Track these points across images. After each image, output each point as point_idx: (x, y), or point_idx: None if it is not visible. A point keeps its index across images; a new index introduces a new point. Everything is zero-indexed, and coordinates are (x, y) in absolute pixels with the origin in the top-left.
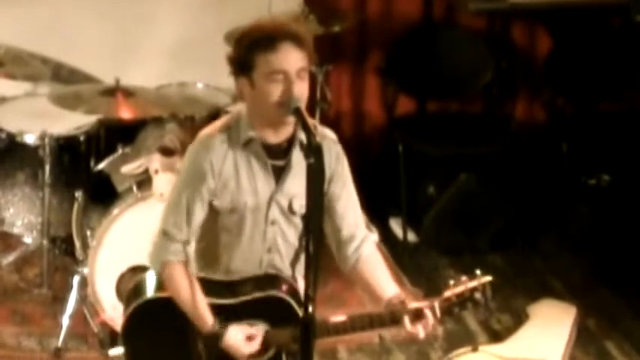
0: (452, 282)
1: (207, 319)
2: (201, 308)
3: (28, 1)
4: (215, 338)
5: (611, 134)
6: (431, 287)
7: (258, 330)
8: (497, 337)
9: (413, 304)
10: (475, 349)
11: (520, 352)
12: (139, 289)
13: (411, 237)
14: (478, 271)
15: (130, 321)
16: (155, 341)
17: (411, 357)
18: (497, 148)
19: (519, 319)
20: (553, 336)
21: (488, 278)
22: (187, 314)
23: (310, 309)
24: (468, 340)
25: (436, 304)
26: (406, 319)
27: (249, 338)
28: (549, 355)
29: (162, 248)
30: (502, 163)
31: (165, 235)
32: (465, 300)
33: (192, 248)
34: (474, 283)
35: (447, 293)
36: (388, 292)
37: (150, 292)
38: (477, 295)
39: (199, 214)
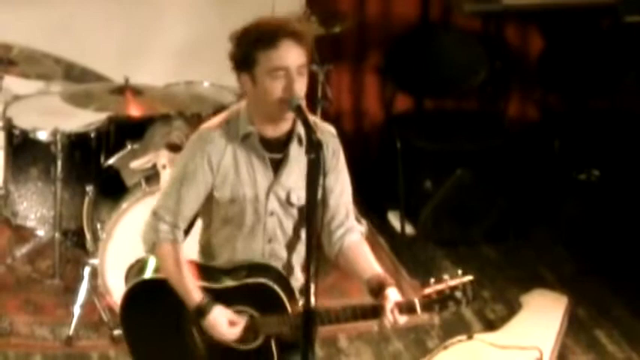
0: (433, 280)
1: (195, 296)
2: (189, 285)
3: (41, 3)
4: (200, 314)
5: (601, 131)
6: (427, 278)
7: (242, 318)
8: (491, 325)
9: (394, 297)
10: (470, 337)
11: (513, 340)
12: (140, 270)
13: (409, 230)
14: (460, 271)
15: (127, 299)
16: (150, 320)
17: (409, 345)
18: (492, 144)
19: (512, 309)
20: (545, 325)
21: (469, 278)
22: (176, 291)
23: (312, 301)
24: (463, 328)
25: (416, 300)
26: (388, 310)
27: (232, 323)
28: (541, 343)
29: (152, 229)
30: (496, 159)
31: (155, 215)
32: (445, 298)
33: (181, 231)
34: (454, 282)
35: (428, 290)
36: (367, 277)
37: (149, 273)
38: (458, 294)
39: (192, 204)
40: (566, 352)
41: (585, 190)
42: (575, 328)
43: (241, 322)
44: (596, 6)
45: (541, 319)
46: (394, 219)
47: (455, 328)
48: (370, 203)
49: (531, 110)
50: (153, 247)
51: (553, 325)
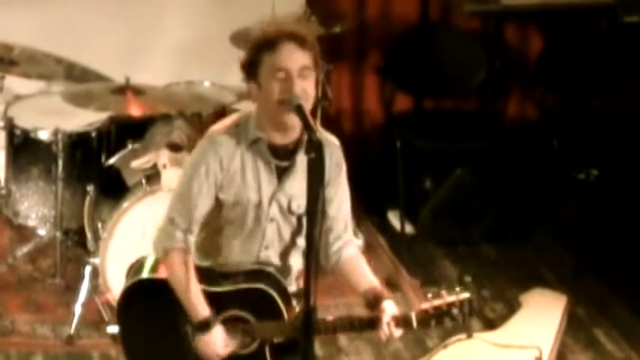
0: (430, 295)
1: (200, 309)
2: (196, 297)
3: (43, 3)
4: (203, 328)
5: (600, 131)
6: (427, 277)
7: (233, 340)
8: (490, 324)
9: (390, 310)
10: (470, 336)
11: (513, 339)
12: (137, 269)
13: (409, 229)
14: (458, 288)
15: (123, 298)
16: (145, 319)
17: (409, 344)
18: (491, 143)
19: (512, 308)
20: (544, 323)
21: (466, 295)
22: (181, 301)
23: (311, 304)
24: (463, 327)
25: (412, 315)
26: (384, 324)
27: (226, 345)
28: (541, 341)
29: (165, 235)
30: (496, 159)
31: (169, 222)
32: (442, 314)
33: (193, 237)
34: (452, 299)
35: (425, 305)
36: (363, 290)
37: (145, 273)
38: (455, 311)
39: (204, 205)
40: (566, 351)
41: (584, 189)
42: (574, 326)
43: (233, 345)
44: (595, 6)
45: (540, 318)
46: (394, 218)
47: (454, 327)
48: (370, 202)
49: (530, 110)
50: (164, 254)
51: (552, 324)
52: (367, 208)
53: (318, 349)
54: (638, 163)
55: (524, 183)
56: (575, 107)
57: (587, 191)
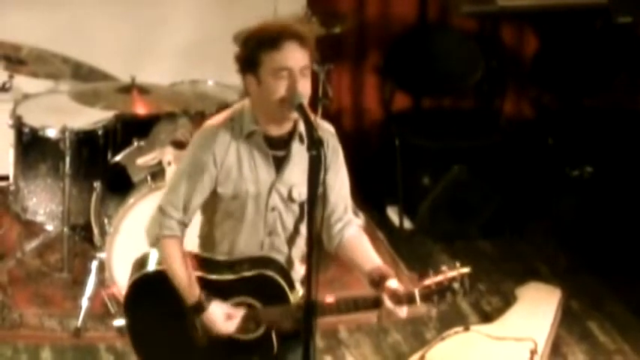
0: (432, 271)
1: (192, 292)
2: (186, 282)
3: (51, 5)
4: (198, 310)
5: (594, 128)
6: (425, 271)
7: (239, 311)
8: (487, 317)
9: (393, 286)
10: (467, 329)
11: (509, 332)
12: (143, 262)
13: (407, 224)
14: (458, 263)
15: (131, 291)
16: (153, 311)
17: (407, 336)
18: (488, 141)
19: (508, 301)
20: (539, 317)
21: (466, 270)
22: (175, 286)
23: (313, 293)
24: (460, 320)
25: (415, 291)
26: (387, 301)
27: (229, 317)
28: (536, 334)
29: (158, 224)
30: (492, 156)
31: (162, 212)
32: (443, 289)
33: (186, 228)
34: (452, 273)
35: (427, 281)
36: (368, 269)
37: (152, 266)
38: (455, 285)
39: (197, 199)
40: (560, 343)
41: (579, 186)
42: (568, 319)
43: (238, 314)
44: (590, 7)
45: (535, 311)
46: (393, 214)
47: (452, 320)
48: (370, 198)
49: (526, 108)
50: (156, 241)
51: (547, 316)
52: (367, 204)
53: (319, 340)
54: (631, 160)
55: (520, 180)
56: (569, 105)
57: (582, 188)
